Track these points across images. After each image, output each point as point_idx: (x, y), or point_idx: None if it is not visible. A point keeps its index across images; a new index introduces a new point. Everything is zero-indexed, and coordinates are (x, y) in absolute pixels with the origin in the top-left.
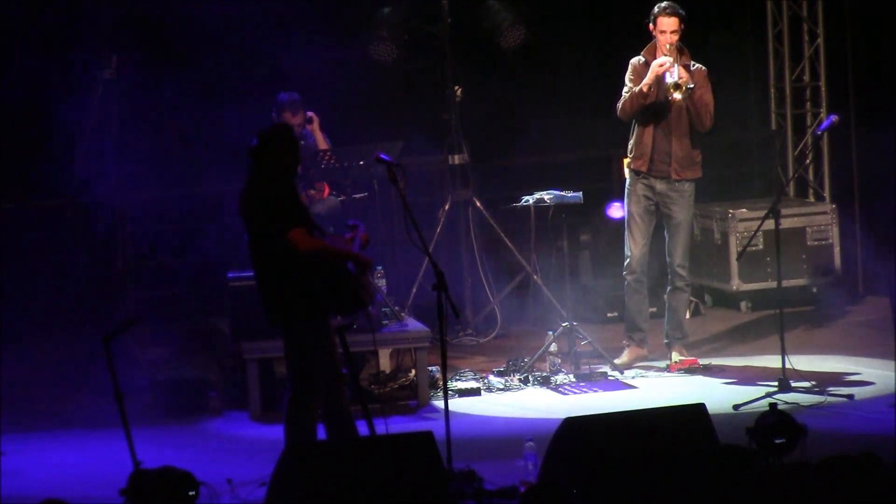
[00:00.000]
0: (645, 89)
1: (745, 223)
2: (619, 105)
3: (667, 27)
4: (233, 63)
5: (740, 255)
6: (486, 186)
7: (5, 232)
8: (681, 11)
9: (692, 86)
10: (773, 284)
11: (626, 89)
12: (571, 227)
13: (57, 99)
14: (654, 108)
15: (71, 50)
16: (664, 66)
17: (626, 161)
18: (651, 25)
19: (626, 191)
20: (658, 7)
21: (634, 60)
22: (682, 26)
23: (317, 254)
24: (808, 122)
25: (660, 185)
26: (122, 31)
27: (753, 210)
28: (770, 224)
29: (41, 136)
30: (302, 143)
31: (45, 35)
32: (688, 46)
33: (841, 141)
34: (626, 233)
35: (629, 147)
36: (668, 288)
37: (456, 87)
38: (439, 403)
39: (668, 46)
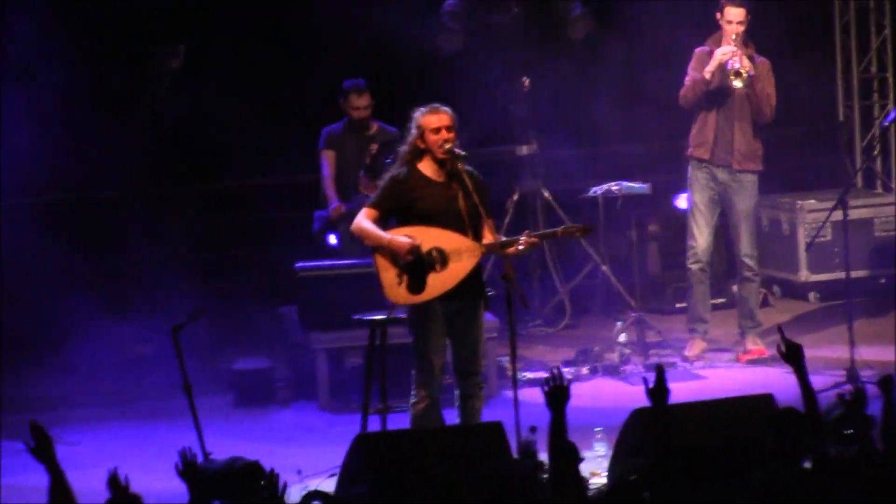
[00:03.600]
0: (707, 76)
1: (813, 214)
2: (682, 93)
3: (733, 17)
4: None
5: (808, 246)
6: (555, 177)
7: (75, 221)
8: (748, 2)
9: (752, 73)
10: (842, 275)
11: (688, 78)
12: (640, 218)
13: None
14: (717, 97)
15: (138, 40)
16: (727, 54)
17: (688, 151)
18: (718, 14)
19: (688, 180)
20: None
21: (699, 50)
22: (749, 17)
23: (360, 235)
24: (876, 114)
25: (721, 175)
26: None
27: (821, 201)
28: (838, 215)
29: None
30: (368, 132)
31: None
32: (758, 39)
33: None
34: (689, 222)
35: (691, 136)
36: (737, 278)
37: (524, 78)
38: (509, 393)
39: (733, 36)
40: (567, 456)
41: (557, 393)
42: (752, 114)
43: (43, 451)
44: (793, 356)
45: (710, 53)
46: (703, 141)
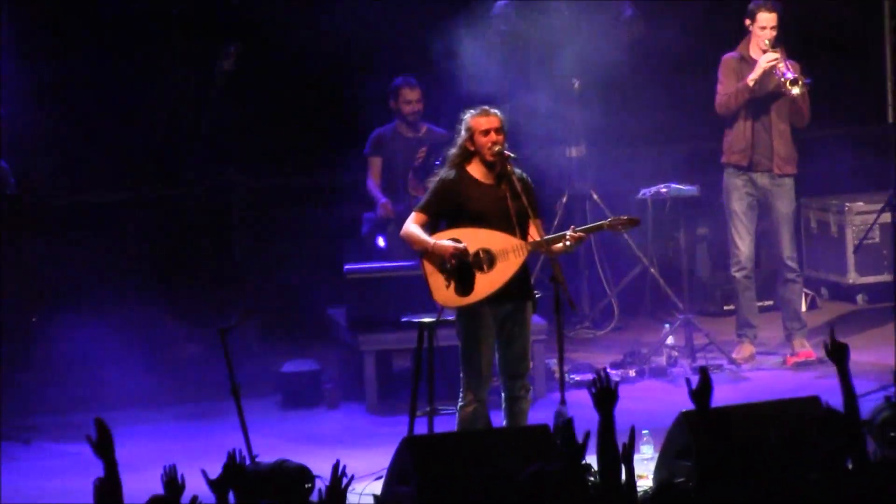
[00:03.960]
0: (752, 84)
1: (861, 216)
2: (721, 101)
3: (767, 22)
4: (344, 51)
5: (857, 248)
6: (604, 179)
7: (130, 221)
8: (779, 7)
9: (809, 80)
10: (890, 277)
11: (721, 87)
12: (688, 220)
13: (176, 91)
14: (754, 102)
15: (190, 40)
16: (773, 60)
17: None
18: (748, 21)
19: (725, 188)
20: (757, 2)
21: (728, 58)
22: (780, 21)
23: (407, 240)
24: None
25: (762, 180)
26: (241, 20)
27: (870, 203)
28: (886, 217)
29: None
30: (417, 134)
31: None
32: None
33: None
34: (731, 230)
35: (727, 143)
36: (780, 280)
37: (574, 80)
38: (556, 396)
39: (766, 42)
40: (616, 457)
41: (605, 395)
42: (789, 117)
43: (103, 448)
44: (837, 355)
45: (742, 60)
46: (741, 148)
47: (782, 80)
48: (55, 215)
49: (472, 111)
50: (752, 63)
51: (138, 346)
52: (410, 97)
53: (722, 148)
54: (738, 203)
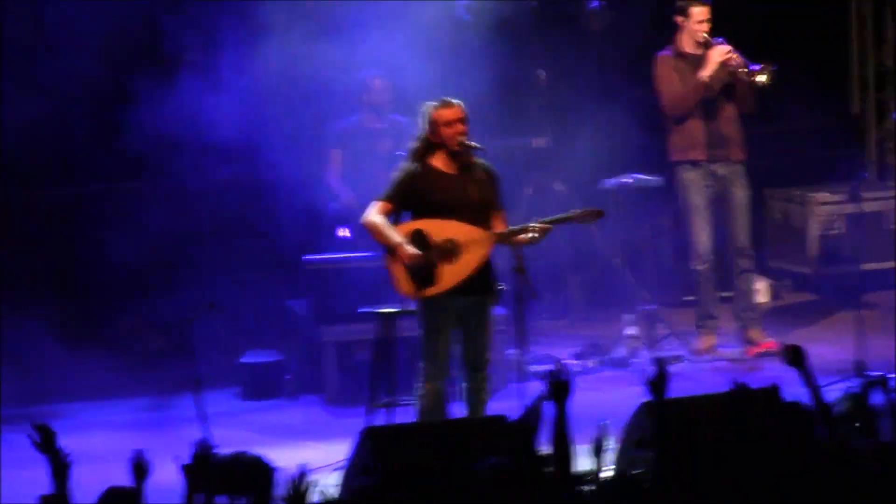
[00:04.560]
0: (707, 79)
1: (825, 207)
2: (675, 101)
3: (702, 16)
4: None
5: (820, 239)
6: (568, 170)
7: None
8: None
9: (776, 67)
10: (854, 268)
11: (664, 86)
12: (652, 211)
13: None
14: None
15: None
16: (725, 53)
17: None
18: (680, 17)
19: (680, 184)
20: None
21: (664, 55)
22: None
23: (370, 230)
24: (891, 107)
25: (721, 170)
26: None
27: (834, 194)
28: (850, 208)
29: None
30: (383, 125)
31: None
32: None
33: None
34: (689, 224)
35: (677, 140)
36: (736, 269)
37: (540, 71)
38: (516, 386)
39: (704, 35)
40: (568, 449)
41: (560, 387)
42: (736, 103)
43: (47, 446)
44: (795, 359)
45: (678, 56)
46: (693, 143)
47: (748, 70)
48: (17, 206)
49: (433, 103)
50: (689, 58)
51: (99, 338)
52: (381, 86)
53: (669, 145)
54: (698, 196)
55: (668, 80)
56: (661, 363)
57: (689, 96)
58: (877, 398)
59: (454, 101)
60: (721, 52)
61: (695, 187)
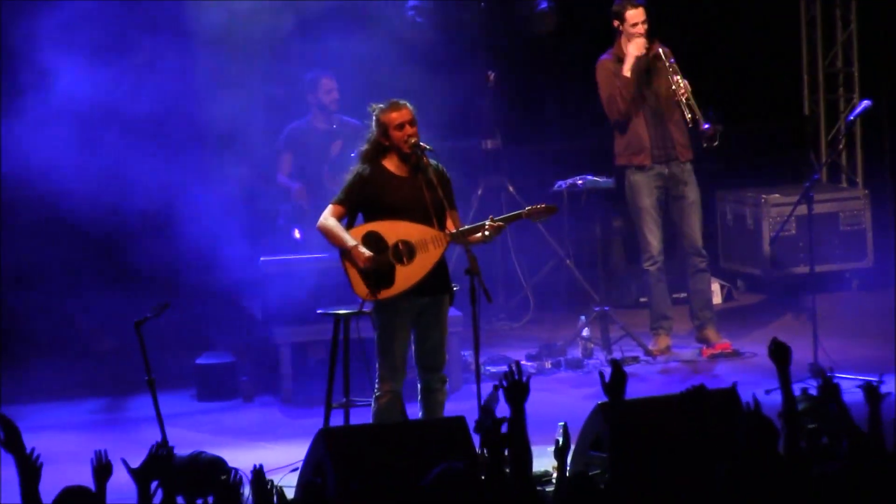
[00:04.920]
0: (628, 75)
1: (777, 208)
2: (609, 104)
3: (636, 18)
4: (255, 50)
5: (773, 241)
6: (519, 171)
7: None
8: (644, 1)
9: (721, 126)
10: (806, 270)
11: (603, 91)
12: (604, 212)
13: None
14: (641, 98)
15: None
16: (641, 47)
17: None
18: (616, 21)
19: (628, 187)
20: (620, 2)
21: (604, 60)
22: (648, 13)
23: (325, 234)
24: (841, 108)
25: (670, 170)
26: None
27: (786, 195)
28: (803, 209)
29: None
30: (332, 126)
31: None
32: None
33: (874, 126)
34: (640, 226)
35: (622, 145)
36: (690, 269)
37: (489, 73)
38: (472, 387)
39: (640, 38)
40: (525, 451)
41: (516, 389)
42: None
43: (12, 443)
44: (779, 356)
45: (617, 61)
46: (639, 148)
47: (701, 130)
48: None
49: (381, 105)
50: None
51: (53, 339)
52: (330, 86)
53: (615, 150)
54: (648, 199)
55: (606, 84)
56: (617, 364)
57: (617, 100)
58: (831, 400)
59: (402, 102)
60: (636, 46)
61: (645, 189)
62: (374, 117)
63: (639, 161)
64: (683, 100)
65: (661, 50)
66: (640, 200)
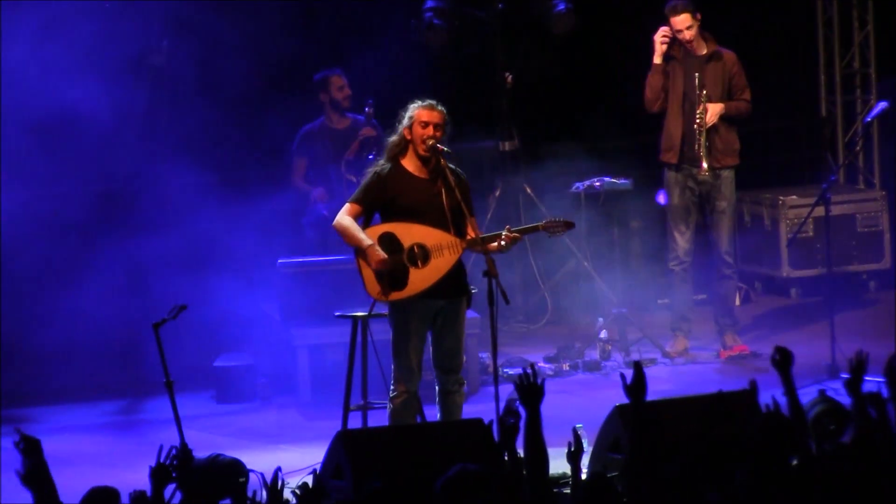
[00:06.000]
0: (658, 61)
1: (795, 210)
2: (644, 95)
3: (681, 25)
4: (278, 53)
5: (790, 242)
6: (537, 173)
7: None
8: (689, 6)
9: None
10: (824, 271)
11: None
12: (622, 214)
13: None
14: (680, 98)
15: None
16: (664, 35)
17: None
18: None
19: (664, 182)
20: (666, 8)
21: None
22: (699, 16)
23: (340, 233)
24: (858, 109)
25: (703, 175)
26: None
27: (804, 197)
28: (820, 211)
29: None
30: (346, 125)
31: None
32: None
33: (891, 128)
34: (670, 224)
35: (661, 141)
36: (715, 275)
37: (507, 74)
38: (490, 389)
39: (687, 42)
40: (541, 453)
41: (531, 391)
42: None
43: (33, 476)
44: (782, 362)
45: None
46: (670, 146)
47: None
48: None
49: (420, 101)
50: (679, 60)
51: (69, 341)
52: (341, 83)
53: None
54: (678, 198)
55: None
56: (638, 366)
57: (647, 88)
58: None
59: (438, 106)
60: (660, 34)
61: (677, 188)
62: (409, 108)
63: (667, 158)
64: (695, 128)
65: (724, 56)
66: (671, 197)
